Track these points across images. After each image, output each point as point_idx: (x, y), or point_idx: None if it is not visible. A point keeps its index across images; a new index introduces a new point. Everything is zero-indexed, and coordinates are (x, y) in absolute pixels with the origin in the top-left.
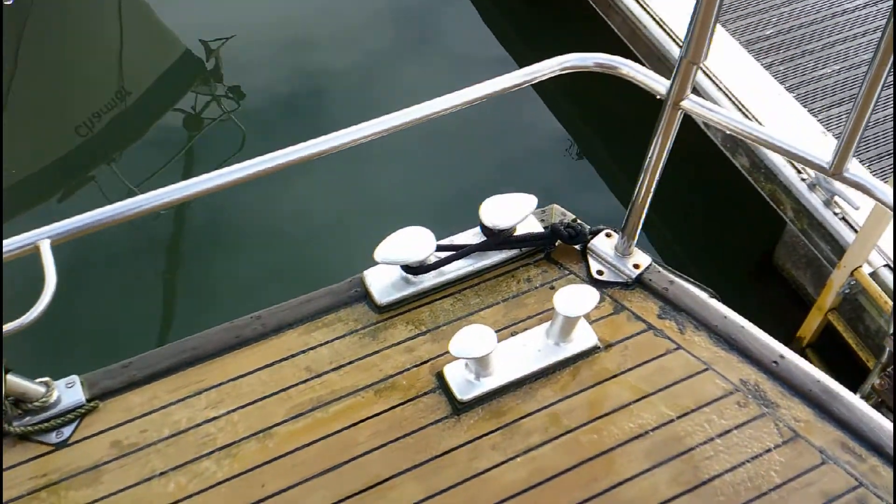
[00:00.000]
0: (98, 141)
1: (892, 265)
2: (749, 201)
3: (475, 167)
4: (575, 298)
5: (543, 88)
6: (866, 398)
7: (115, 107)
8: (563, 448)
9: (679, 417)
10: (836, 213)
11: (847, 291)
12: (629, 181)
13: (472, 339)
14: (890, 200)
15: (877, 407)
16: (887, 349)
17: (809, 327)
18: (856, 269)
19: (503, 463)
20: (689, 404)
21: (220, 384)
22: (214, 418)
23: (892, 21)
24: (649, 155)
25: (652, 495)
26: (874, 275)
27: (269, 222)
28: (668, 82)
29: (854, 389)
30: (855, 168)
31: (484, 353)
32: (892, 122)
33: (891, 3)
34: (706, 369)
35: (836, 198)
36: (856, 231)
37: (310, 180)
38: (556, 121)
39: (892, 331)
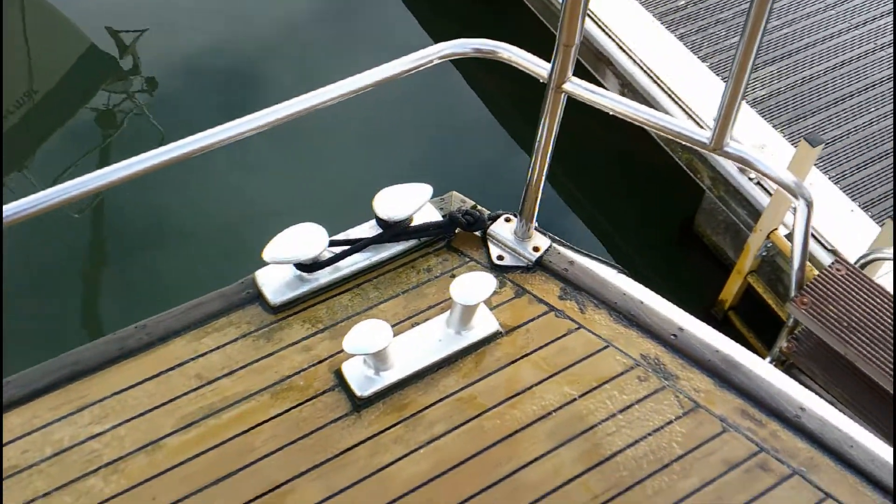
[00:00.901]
0: (7, 142)
1: None
2: (668, 171)
3: (370, 160)
4: (472, 286)
5: (434, 76)
6: (776, 361)
7: (23, 105)
8: (467, 436)
9: (581, 396)
10: (750, 179)
11: (764, 254)
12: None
13: (366, 334)
14: (772, 172)
15: (787, 369)
16: (791, 315)
17: (730, 291)
18: (772, 231)
19: (405, 456)
20: (590, 382)
21: (103, 399)
22: (99, 434)
23: None
24: (538, 139)
25: (555, 476)
26: (790, 236)
27: (155, 224)
28: (549, 66)
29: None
30: (736, 143)
31: (379, 348)
32: (802, 87)
33: None
34: (607, 346)
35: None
36: (770, 195)
37: (198, 179)
38: (455, 108)
39: (792, 294)
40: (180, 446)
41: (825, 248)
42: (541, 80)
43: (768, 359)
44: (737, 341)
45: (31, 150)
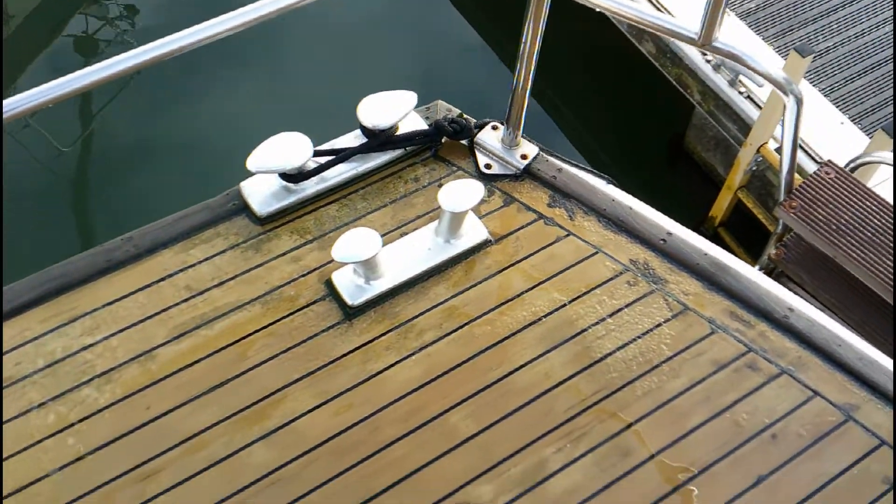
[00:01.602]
0: None
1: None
2: (658, 87)
3: (353, 70)
4: (460, 194)
5: None
6: (765, 269)
7: None
8: (458, 342)
9: (571, 301)
10: (741, 93)
11: (754, 168)
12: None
13: (355, 242)
14: (762, 67)
15: (776, 277)
16: (780, 220)
17: (720, 206)
18: (762, 145)
19: (397, 363)
20: (580, 288)
21: (94, 310)
22: (91, 345)
23: None
24: (523, 41)
25: (546, 378)
26: (779, 150)
27: (138, 143)
28: None
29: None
30: (724, 37)
31: (368, 256)
32: None
33: None
34: (596, 252)
35: (741, 77)
36: (761, 108)
37: (180, 95)
38: (438, 17)
39: (780, 198)
40: (173, 356)
41: (815, 160)
42: None
43: (757, 266)
44: None
45: (9, 78)
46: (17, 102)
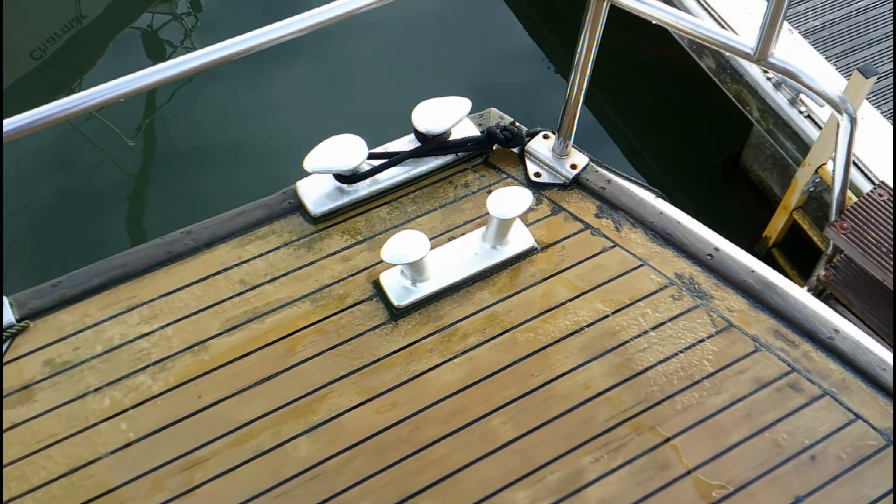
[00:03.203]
0: (53, 65)
1: (856, 161)
2: (716, 103)
3: (409, 76)
4: (509, 200)
5: None
6: (814, 290)
7: (70, 29)
8: (500, 347)
9: (614, 313)
10: (801, 112)
11: (812, 189)
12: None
13: (404, 244)
14: (817, 85)
15: (824, 299)
16: (831, 241)
17: (775, 227)
18: (820, 166)
19: (440, 365)
20: (624, 300)
21: (152, 300)
22: (148, 333)
23: None
24: (578, 51)
25: (585, 388)
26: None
27: (192, 137)
28: None
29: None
30: (782, 54)
31: (416, 259)
32: (858, 18)
33: None
34: (642, 265)
35: (802, 96)
36: (820, 128)
37: (236, 88)
38: (493, 24)
39: (832, 219)
40: (225, 348)
41: (872, 181)
42: None
43: (805, 287)
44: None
45: (77, 73)
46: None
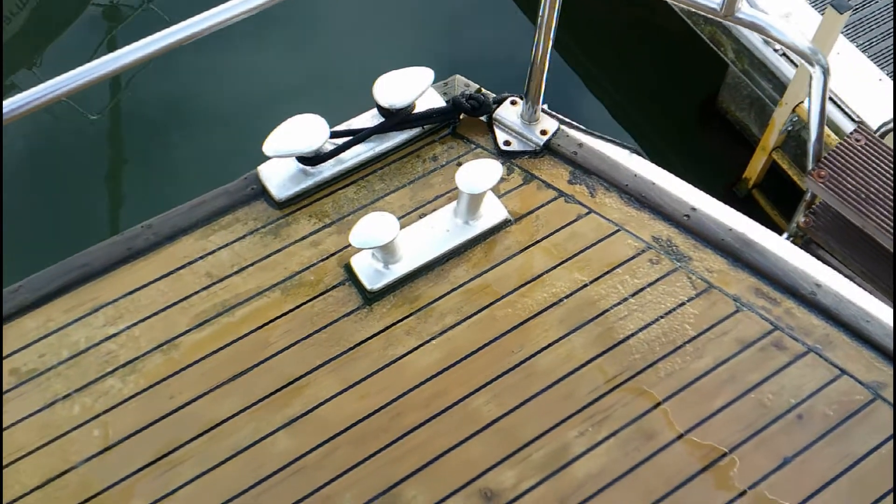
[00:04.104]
0: (13, 42)
1: (833, 98)
2: (690, 46)
3: (365, 46)
4: (478, 174)
5: None
6: (794, 237)
7: (27, 5)
8: (478, 325)
9: (592, 282)
10: (776, 50)
11: (790, 128)
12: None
13: (372, 227)
14: (786, 37)
15: (805, 245)
16: (808, 188)
17: (754, 168)
18: (798, 104)
19: (418, 347)
20: (601, 267)
21: (116, 299)
22: (114, 335)
23: None
24: (540, 12)
25: (567, 361)
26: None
27: (151, 117)
28: None
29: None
30: (746, 8)
31: (386, 241)
32: None
33: None
34: (618, 230)
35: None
36: (796, 66)
37: (189, 66)
38: None
39: (810, 166)
40: (195, 344)
41: (852, 119)
42: None
43: (785, 234)
44: (761, 220)
45: (38, 48)
46: (37, 94)
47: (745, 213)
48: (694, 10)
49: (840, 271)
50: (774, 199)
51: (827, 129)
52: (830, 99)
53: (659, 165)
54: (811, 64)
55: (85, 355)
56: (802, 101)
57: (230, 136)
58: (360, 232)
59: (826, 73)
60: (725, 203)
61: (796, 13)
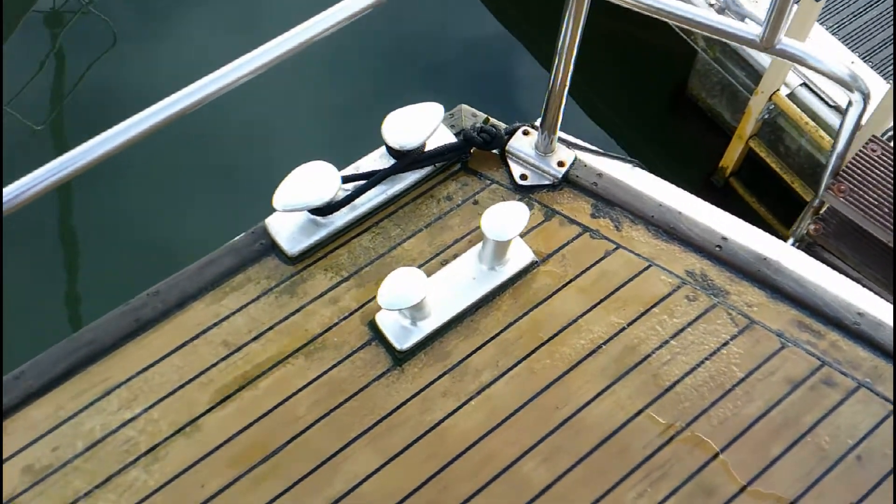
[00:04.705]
0: None
1: (809, 85)
2: (657, 33)
3: (365, 81)
4: (504, 219)
5: None
6: (799, 241)
7: None
8: (517, 380)
9: (630, 324)
10: None
11: (766, 116)
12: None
13: (400, 286)
14: (828, 68)
15: (808, 249)
16: (821, 190)
17: (731, 156)
18: (774, 93)
19: (458, 409)
20: (637, 308)
21: (129, 379)
22: (131, 419)
23: None
24: (560, 42)
25: (615, 414)
26: (792, 96)
27: (151, 168)
28: None
29: (783, 217)
30: (788, 39)
31: (416, 301)
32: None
33: None
34: (649, 266)
35: (748, 20)
36: None
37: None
38: (447, 14)
39: (826, 180)
40: (220, 424)
41: (828, 104)
42: None
43: (791, 240)
44: (739, 208)
45: None
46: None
47: (724, 202)
48: (730, 41)
49: (848, 274)
50: (752, 187)
51: (804, 115)
52: (804, 84)
53: (633, 156)
54: (851, 91)
55: (102, 445)
56: (778, 89)
57: (232, 190)
58: (389, 292)
59: (866, 99)
60: (707, 198)
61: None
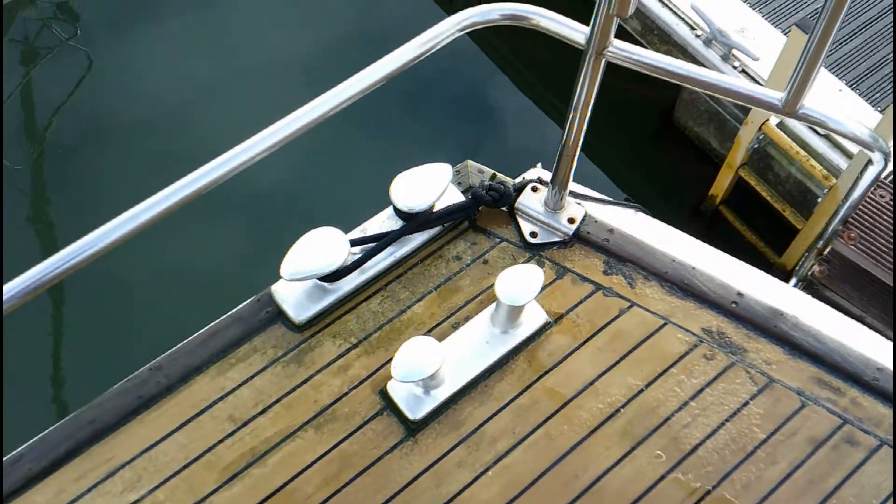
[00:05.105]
0: None
1: None
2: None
3: (367, 140)
4: (518, 283)
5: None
6: (803, 280)
7: None
8: (535, 448)
9: (648, 386)
10: (735, 67)
11: (756, 146)
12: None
13: (414, 357)
14: (850, 130)
15: (808, 287)
16: (829, 232)
17: (721, 185)
18: (763, 122)
19: (474, 481)
20: (655, 368)
21: (132, 459)
22: (136, 502)
23: None
24: (575, 99)
25: (637, 481)
26: (781, 125)
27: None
28: (587, 30)
29: (774, 243)
30: (810, 103)
31: (431, 372)
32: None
33: None
34: (665, 324)
35: (734, 51)
36: (758, 83)
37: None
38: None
39: (834, 227)
40: (229, 503)
41: (817, 133)
42: (578, 47)
43: (794, 280)
44: (729, 235)
45: None
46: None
47: (713, 229)
48: (751, 105)
49: (852, 314)
50: (742, 214)
51: (794, 144)
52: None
53: (619, 187)
54: (871, 150)
55: None
56: (768, 119)
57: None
58: (403, 364)
59: (886, 158)
60: (696, 226)
61: (751, 27)
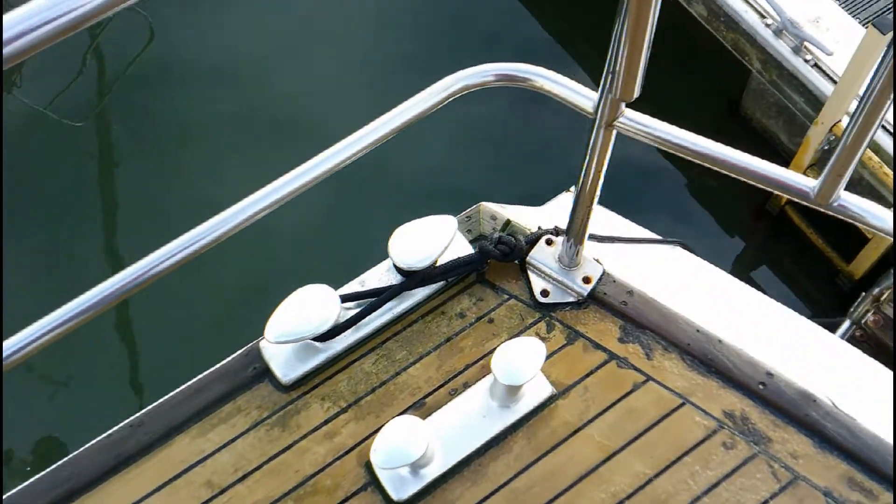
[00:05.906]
0: None
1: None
2: (710, 51)
3: (372, 188)
4: (517, 361)
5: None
6: (856, 324)
7: None
8: None
9: (657, 475)
10: (807, 61)
11: (826, 147)
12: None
13: (397, 439)
14: (884, 225)
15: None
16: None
17: None
18: (835, 124)
19: None
20: (667, 455)
21: None
22: None
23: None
24: (583, 171)
25: None
26: None
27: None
28: (595, 96)
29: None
30: (847, 195)
31: (415, 458)
32: None
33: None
34: (683, 404)
35: (806, 44)
36: (831, 79)
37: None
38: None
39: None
40: None
41: (893, 136)
42: (587, 115)
43: (847, 323)
44: (793, 237)
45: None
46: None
47: (778, 231)
48: (780, 192)
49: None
50: (810, 216)
51: (868, 150)
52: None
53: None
54: None
55: None
56: (840, 120)
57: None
58: (384, 447)
59: None
60: (762, 226)
61: (826, 18)
